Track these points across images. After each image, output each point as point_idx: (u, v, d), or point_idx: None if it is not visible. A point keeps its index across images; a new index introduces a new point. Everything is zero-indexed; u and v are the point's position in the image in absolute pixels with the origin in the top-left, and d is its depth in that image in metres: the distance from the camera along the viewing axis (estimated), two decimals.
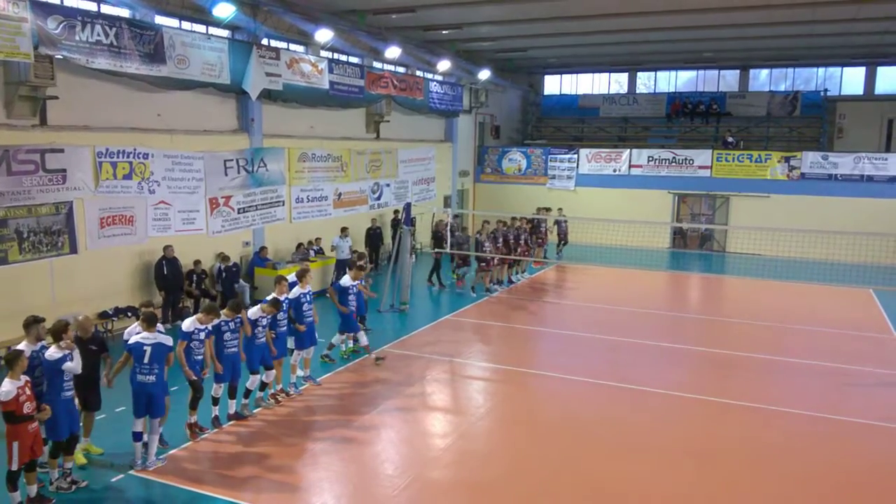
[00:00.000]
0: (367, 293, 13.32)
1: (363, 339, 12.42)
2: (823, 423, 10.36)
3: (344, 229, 18.89)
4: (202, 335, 9.02)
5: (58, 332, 7.74)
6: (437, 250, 19.06)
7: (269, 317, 10.01)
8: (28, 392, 7.07)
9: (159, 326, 8.67)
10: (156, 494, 7.89)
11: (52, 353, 7.57)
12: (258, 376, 9.99)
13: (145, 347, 8.11)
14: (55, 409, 7.41)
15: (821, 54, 27.85)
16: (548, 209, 23.70)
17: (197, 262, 15.21)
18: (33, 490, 7.33)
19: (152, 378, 8.14)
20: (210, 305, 9.50)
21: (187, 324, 9.00)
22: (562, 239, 23.89)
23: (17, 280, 12.18)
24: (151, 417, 8.28)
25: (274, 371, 10.36)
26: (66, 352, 7.61)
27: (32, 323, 7.80)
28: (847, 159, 25.05)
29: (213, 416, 9.56)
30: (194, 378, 8.90)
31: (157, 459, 8.41)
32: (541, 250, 22.17)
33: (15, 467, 7.05)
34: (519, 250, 19.62)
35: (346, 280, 12.31)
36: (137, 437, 8.31)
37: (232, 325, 9.51)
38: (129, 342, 8.32)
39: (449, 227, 18.38)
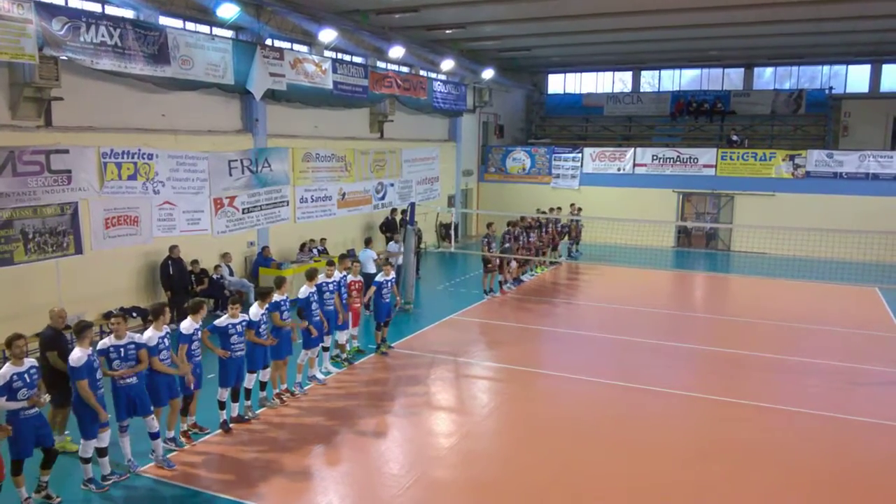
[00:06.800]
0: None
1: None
2: (830, 421, 10.31)
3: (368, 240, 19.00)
4: (200, 334, 9.03)
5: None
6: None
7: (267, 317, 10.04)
8: None
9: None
10: (160, 496, 7.87)
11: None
12: (255, 375, 9.94)
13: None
14: (16, 426, 7.04)
15: (826, 52, 27.73)
16: (559, 208, 23.51)
17: (195, 262, 15.18)
18: None
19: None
20: (196, 302, 9.20)
21: (186, 325, 8.92)
22: (575, 238, 23.89)
23: (23, 280, 12.23)
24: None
25: (269, 369, 10.30)
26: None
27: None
28: (852, 157, 24.96)
29: (221, 420, 9.52)
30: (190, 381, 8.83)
31: (155, 460, 8.43)
32: (549, 250, 22.07)
33: None
34: (531, 249, 19.55)
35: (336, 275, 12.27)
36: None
37: (239, 327, 9.49)
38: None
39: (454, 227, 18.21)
